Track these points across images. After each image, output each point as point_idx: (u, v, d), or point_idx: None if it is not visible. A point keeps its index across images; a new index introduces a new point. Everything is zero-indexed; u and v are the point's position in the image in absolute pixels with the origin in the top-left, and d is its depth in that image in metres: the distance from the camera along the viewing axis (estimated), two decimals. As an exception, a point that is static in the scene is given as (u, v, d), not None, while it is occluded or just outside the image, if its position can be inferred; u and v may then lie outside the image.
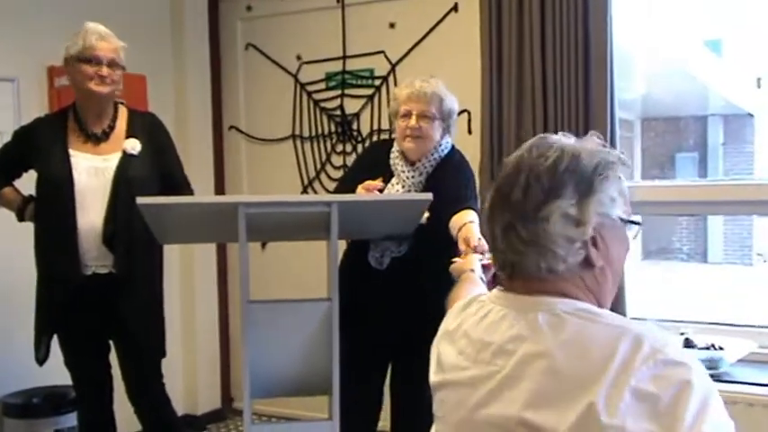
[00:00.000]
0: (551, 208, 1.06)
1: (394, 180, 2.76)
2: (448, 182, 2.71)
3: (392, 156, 2.79)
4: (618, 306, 3.15)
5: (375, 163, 2.82)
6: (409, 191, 2.72)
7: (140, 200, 2.27)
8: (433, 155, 2.74)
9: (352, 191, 2.69)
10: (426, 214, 2.58)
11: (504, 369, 1.05)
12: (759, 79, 12.87)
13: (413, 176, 2.74)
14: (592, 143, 1.15)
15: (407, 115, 2.70)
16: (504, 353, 1.06)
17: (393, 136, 2.87)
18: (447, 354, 1.19)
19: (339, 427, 2.44)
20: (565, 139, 1.15)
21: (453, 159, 2.80)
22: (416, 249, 2.69)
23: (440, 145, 2.75)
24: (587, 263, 1.09)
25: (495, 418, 1.04)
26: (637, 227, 1.16)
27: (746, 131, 13.87)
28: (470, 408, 1.09)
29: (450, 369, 1.16)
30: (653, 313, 3.50)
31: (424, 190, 2.69)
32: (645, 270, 10.15)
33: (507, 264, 1.14)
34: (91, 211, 2.73)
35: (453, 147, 2.82)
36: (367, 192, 2.67)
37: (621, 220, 1.12)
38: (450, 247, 2.39)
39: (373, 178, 2.71)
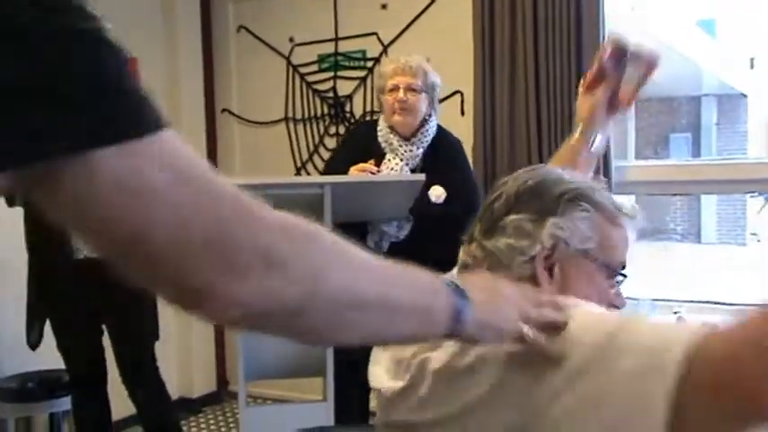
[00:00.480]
0: (509, 219, 1.08)
1: (389, 156, 2.75)
2: (451, 165, 2.74)
3: (381, 134, 2.79)
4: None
5: (363, 144, 2.81)
6: (407, 164, 2.73)
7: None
8: (426, 129, 2.75)
9: (343, 174, 2.69)
10: (444, 194, 2.61)
11: (409, 379, 1.04)
12: (752, 59, 12.88)
13: (410, 150, 2.74)
14: (586, 179, 1.16)
15: (395, 89, 2.73)
16: (410, 366, 1.06)
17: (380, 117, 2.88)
18: (376, 371, 1.18)
19: (333, 408, 2.45)
20: (557, 170, 1.15)
21: (448, 139, 2.81)
22: (417, 236, 2.67)
23: (429, 121, 2.76)
24: (535, 285, 1.06)
25: (399, 424, 1.05)
26: (619, 276, 1.15)
27: (740, 111, 13.91)
28: (385, 418, 1.10)
29: (378, 383, 1.16)
30: (647, 293, 3.51)
31: (422, 167, 2.69)
32: (639, 250, 10.19)
33: (459, 267, 1.15)
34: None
35: (440, 126, 2.83)
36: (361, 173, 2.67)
37: (584, 254, 1.09)
38: (452, 236, 2.38)
39: (363, 160, 2.70)
